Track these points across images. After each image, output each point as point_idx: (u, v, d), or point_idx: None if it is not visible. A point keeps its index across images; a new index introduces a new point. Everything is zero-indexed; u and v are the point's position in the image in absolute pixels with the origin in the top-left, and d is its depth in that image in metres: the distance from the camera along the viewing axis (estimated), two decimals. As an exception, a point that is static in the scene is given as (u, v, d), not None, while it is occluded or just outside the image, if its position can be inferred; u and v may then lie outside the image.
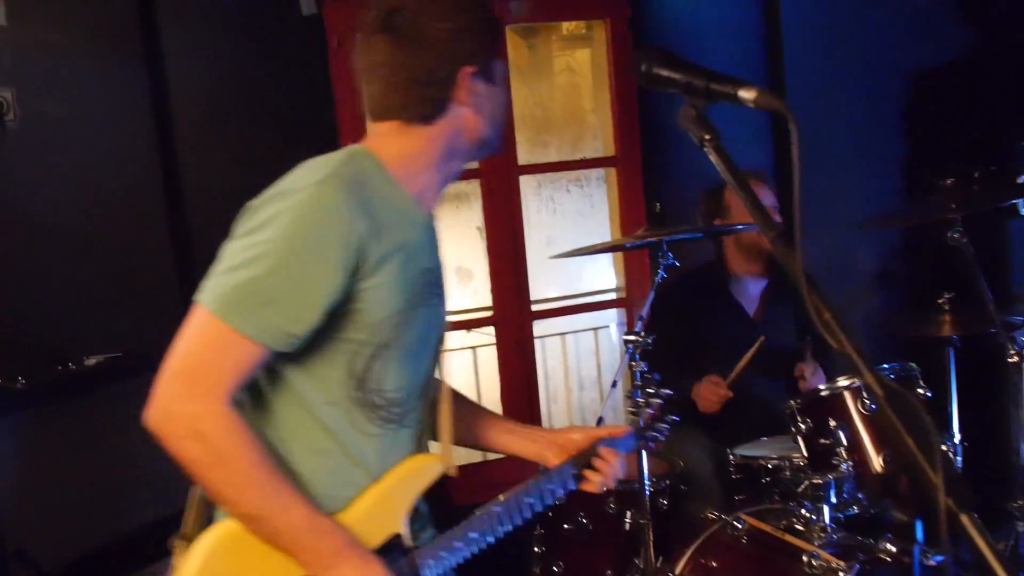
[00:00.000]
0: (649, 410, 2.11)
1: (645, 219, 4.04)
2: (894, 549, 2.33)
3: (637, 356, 2.51)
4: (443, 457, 1.64)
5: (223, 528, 1.43)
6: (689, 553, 2.62)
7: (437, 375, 1.70)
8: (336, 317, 1.41)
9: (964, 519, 0.91)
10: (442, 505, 1.75)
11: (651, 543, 2.56)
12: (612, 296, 4.52)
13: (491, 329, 4.09)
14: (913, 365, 2.65)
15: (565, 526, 2.91)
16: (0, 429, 2.60)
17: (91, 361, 3.05)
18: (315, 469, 1.48)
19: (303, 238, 1.36)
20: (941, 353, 2.82)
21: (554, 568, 2.93)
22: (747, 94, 1.10)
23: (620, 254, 4.30)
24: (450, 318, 1.69)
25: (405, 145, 1.54)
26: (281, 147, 3.67)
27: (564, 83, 5.32)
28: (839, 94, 4.19)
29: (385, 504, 1.53)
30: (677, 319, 3.11)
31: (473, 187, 4.36)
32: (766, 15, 4.22)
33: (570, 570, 2.91)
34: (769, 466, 2.90)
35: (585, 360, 5.08)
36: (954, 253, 2.63)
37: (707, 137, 1.16)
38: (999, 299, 2.65)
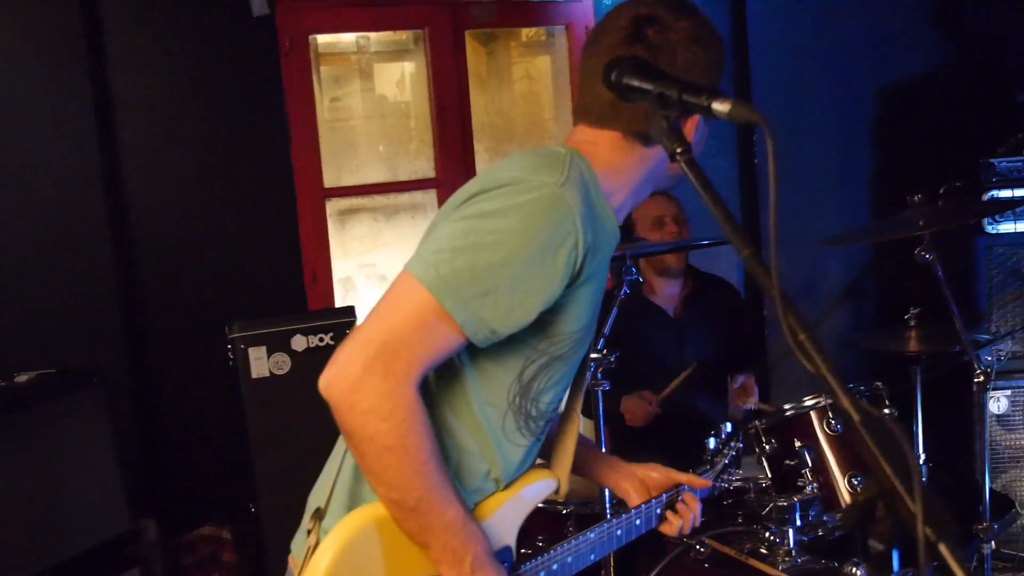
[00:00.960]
0: (725, 461, 2.15)
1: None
2: (860, 573, 2.34)
3: (599, 375, 2.50)
4: (559, 475, 1.66)
5: (366, 513, 1.42)
6: (651, 578, 2.62)
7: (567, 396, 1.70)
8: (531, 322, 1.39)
9: (943, 549, 0.90)
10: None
11: (612, 567, 2.55)
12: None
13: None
14: (879, 384, 2.66)
15: (523, 551, 2.88)
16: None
17: (22, 378, 2.97)
18: (469, 464, 1.48)
19: (539, 237, 1.32)
20: (907, 370, 2.84)
21: (512, 594, 2.90)
22: (721, 106, 1.09)
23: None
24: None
25: (618, 159, 1.51)
26: (229, 153, 3.63)
27: (523, 91, 5.31)
28: (805, 109, 4.26)
29: (505, 514, 1.54)
30: (617, 337, 3.11)
31: (430, 197, 4.35)
32: (733, 29, 4.27)
33: (529, 596, 2.88)
34: (732, 488, 2.90)
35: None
36: (921, 270, 2.65)
37: (679, 150, 1.15)
38: (965, 316, 2.68)
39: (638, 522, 1.80)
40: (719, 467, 2.13)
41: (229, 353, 3.17)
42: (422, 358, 1.30)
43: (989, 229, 3.92)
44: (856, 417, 0.97)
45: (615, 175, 1.51)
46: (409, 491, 1.34)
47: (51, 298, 3.33)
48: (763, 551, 2.52)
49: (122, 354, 3.46)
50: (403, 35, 5.08)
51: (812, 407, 2.57)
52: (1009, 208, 3.85)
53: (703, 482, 1.94)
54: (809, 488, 2.51)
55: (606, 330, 2.59)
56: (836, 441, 2.53)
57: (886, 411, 2.65)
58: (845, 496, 2.51)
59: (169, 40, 3.54)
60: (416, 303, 1.30)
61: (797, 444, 2.55)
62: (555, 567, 1.62)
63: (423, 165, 4.44)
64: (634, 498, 1.84)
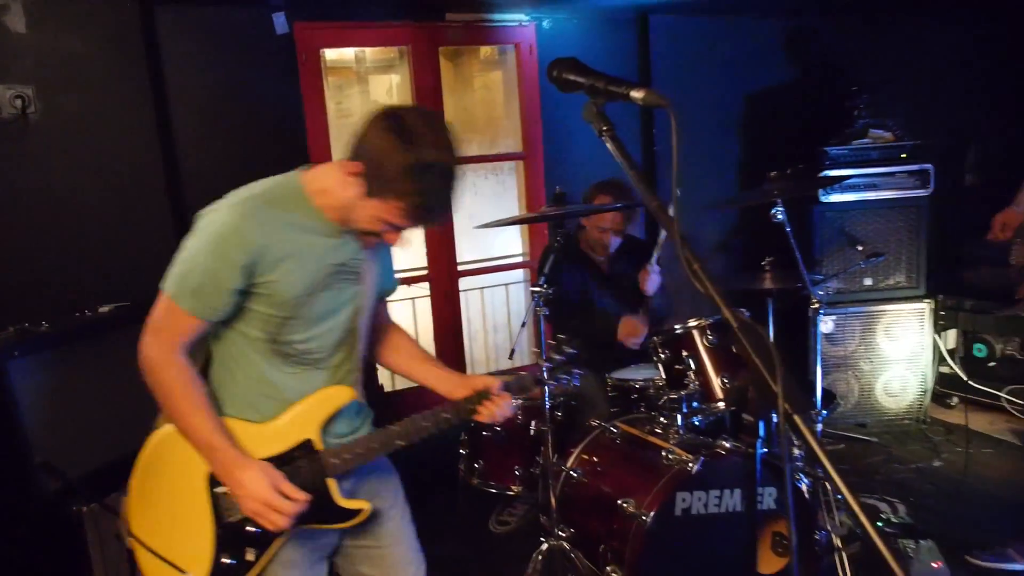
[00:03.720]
0: (548, 364, 2.11)
1: (545, 200, 4.03)
2: (729, 445, 2.39)
3: (541, 303, 2.50)
4: (350, 389, 1.70)
5: (169, 428, 1.64)
6: (577, 451, 2.65)
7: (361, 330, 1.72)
8: (250, 297, 1.56)
9: (797, 420, 0.91)
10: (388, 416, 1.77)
11: (550, 445, 2.57)
12: (519, 259, 4.50)
13: (426, 284, 4.03)
14: (743, 310, 2.69)
15: (484, 433, 2.90)
16: (29, 365, 2.41)
17: (104, 309, 2.88)
18: (250, 391, 1.64)
19: (211, 247, 1.51)
20: (763, 302, 2.87)
21: (475, 465, 2.93)
22: (637, 94, 1.07)
23: (526, 226, 4.28)
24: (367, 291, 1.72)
25: (332, 187, 1.58)
26: (260, 136, 3.53)
27: (482, 96, 5.22)
28: (692, 108, 4.25)
29: (300, 418, 1.65)
30: (553, 276, 2.98)
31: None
32: (639, 48, 4.24)
33: (488, 466, 2.91)
34: (637, 386, 2.94)
35: (498, 309, 5.05)
36: (774, 228, 2.67)
37: (605, 128, 1.13)
38: (805, 263, 2.71)
39: (445, 415, 1.74)
40: (546, 366, 2.09)
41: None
42: (176, 336, 1.55)
43: (823, 199, 3.98)
44: (734, 323, 0.97)
45: (329, 198, 1.57)
46: (174, 420, 1.58)
47: (123, 248, 3.23)
48: (659, 431, 2.57)
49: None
50: (391, 52, 4.94)
51: (695, 327, 2.60)
52: (837, 183, 3.91)
53: (496, 387, 1.80)
54: (693, 385, 2.56)
55: (545, 269, 2.58)
56: (712, 351, 2.57)
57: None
58: (718, 391, 2.55)
59: (212, 50, 3.40)
60: (164, 304, 1.55)
61: (684, 353, 2.59)
62: (358, 450, 1.67)
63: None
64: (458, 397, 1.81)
